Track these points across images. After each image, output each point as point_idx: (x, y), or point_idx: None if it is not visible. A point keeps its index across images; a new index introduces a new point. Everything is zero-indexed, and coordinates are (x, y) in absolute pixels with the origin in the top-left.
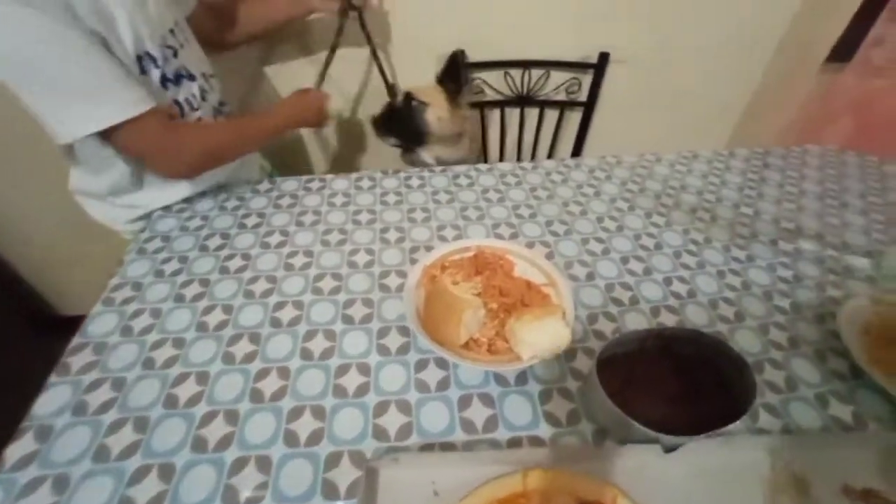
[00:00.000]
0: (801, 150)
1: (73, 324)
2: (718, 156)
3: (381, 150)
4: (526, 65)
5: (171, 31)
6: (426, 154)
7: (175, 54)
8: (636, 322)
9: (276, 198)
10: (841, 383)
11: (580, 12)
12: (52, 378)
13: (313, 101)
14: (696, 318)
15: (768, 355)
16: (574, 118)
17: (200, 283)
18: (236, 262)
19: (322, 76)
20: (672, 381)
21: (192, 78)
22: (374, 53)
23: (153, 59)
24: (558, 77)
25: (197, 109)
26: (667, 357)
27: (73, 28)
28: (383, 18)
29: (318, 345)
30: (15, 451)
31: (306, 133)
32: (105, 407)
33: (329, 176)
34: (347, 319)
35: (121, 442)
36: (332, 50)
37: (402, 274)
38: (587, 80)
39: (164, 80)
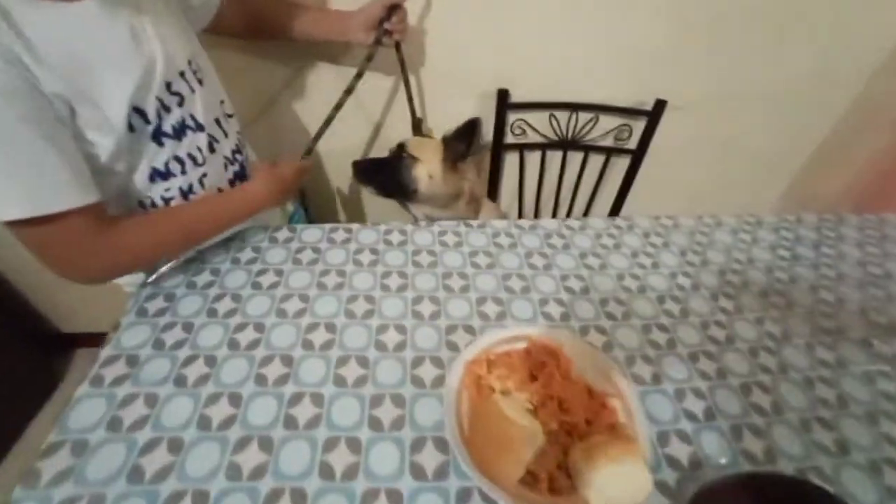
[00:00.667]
0: (879, 220)
1: (72, 340)
2: (784, 222)
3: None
4: (574, 107)
5: (182, 73)
6: (415, 210)
7: (181, 103)
8: (714, 445)
9: (296, 251)
10: None
11: (635, 54)
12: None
13: (290, 180)
14: (787, 444)
15: None
16: (619, 165)
17: (206, 361)
18: (248, 335)
19: (338, 104)
20: None
21: (199, 128)
22: (406, 84)
23: (143, 115)
24: (607, 122)
25: (202, 164)
26: None
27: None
28: (420, 49)
29: (341, 459)
30: (51, 465)
31: (329, 167)
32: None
33: (355, 226)
34: (375, 424)
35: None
36: (358, 75)
37: (438, 362)
38: (638, 126)
39: (159, 136)
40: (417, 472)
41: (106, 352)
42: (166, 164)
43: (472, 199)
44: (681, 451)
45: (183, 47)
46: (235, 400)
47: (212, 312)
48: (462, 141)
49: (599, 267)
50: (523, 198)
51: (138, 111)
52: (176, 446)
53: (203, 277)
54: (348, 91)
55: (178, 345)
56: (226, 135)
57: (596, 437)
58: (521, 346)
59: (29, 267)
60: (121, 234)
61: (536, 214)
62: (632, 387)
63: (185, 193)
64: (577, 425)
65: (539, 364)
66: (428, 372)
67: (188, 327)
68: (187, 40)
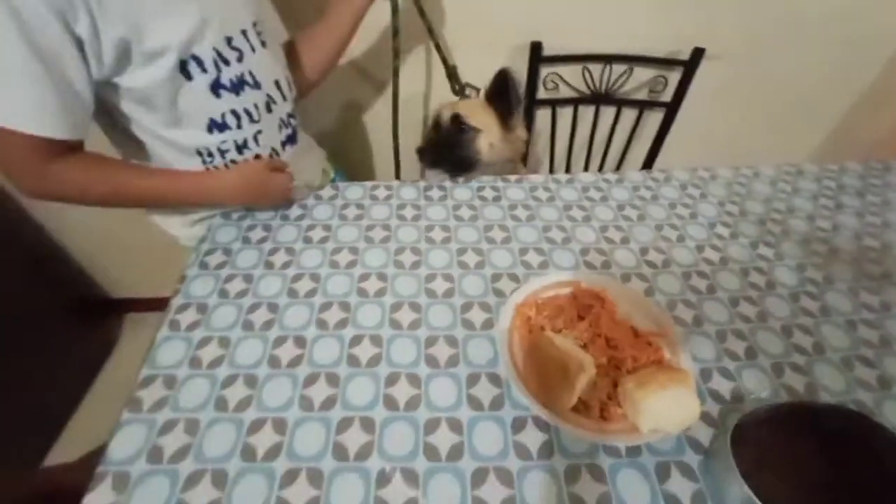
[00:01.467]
0: None
1: (123, 306)
2: (827, 171)
3: None
4: (608, 59)
5: (244, 32)
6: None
7: (240, 58)
8: (756, 380)
9: (342, 207)
10: None
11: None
12: (125, 415)
13: (273, 192)
14: (829, 380)
15: None
16: (653, 118)
17: (269, 308)
18: (305, 284)
19: (395, 66)
20: (815, 465)
21: (257, 86)
22: (430, 33)
23: (200, 63)
24: (641, 74)
25: (257, 121)
26: (806, 435)
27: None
28: (446, 2)
29: (403, 392)
30: (149, 395)
31: (372, 132)
32: (181, 454)
33: (395, 183)
34: (432, 362)
35: (199, 498)
36: (395, 33)
37: (486, 307)
38: (674, 77)
39: (217, 87)
40: (474, 403)
41: (177, 300)
42: (223, 116)
43: (522, 158)
44: (723, 385)
45: (247, 8)
46: (300, 342)
47: (269, 265)
48: (503, 96)
49: (638, 218)
50: (554, 152)
51: (195, 59)
52: (251, 382)
53: (256, 233)
54: (395, 54)
55: (242, 294)
56: (284, 98)
57: (644, 370)
58: (567, 291)
59: (79, 233)
60: (69, 168)
61: (568, 169)
62: (679, 332)
63: (240, 147)
64: (624, 360)
65: (586, 306)
66: (477, 316)
67: (248, 278)
68: (255, 3)
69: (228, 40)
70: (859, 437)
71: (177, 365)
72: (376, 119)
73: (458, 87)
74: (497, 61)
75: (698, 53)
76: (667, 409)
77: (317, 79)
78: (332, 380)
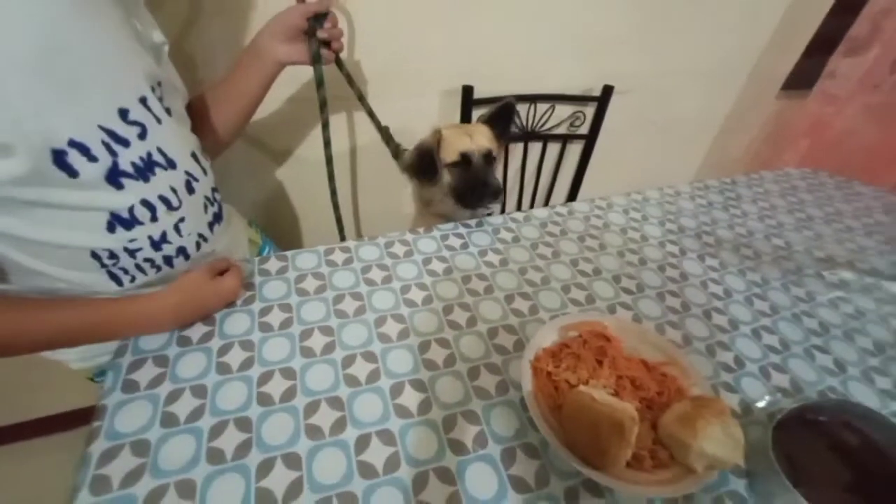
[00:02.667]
0: (785, 174)
1: None
2: (725, 184)
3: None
4: (532, 99)
5: (143, 99)
6: (441, 211)
7: (142, 134)
8: (754, 389)
9: (297, 280)
10: None
11: (584, 42)
12: None
13: (211, 298)
14: (804, 373)
15: (891, 408)
16: (573, 151)
17: (237, 425)
18: (278, 384)
19: (325, 138)
20: (848, 465)
21: (171, 165)
22: (361, 99)
23: (84, 150)
24: (561, 111)
25: (177, 208)
26: (835, 437)
27: None
28: (373, 54)
29: (437, 496)
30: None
31: (298, 196)
32: None
33: (352, 243)
34: (456, 448)
35: None
36: (322, 105)
37: (493, 369)
38: (589, 112)
39: (116, 177)
40: (518, 484)
41: (98, 445)
42: (131, 211)
43: None
44: (730, 398)
45: (143, 68)
46: (294, 463)
47: (223, 368)
48: (505, 124)
49: (599, 247)
50: None
51: (76, 145)
52: None
53: (195, 330)
54: (325, 125)
55: (196, 414)
56: (204, 172)
57: (676, 405)
58: (573, 334)
59: None
60: None
61: (504, 204)
62: (677, 350)
63: (157, 243)
64: (653, 399)
65: (599, 349)
66: (488, 381)
67: (199, 391)
68: (152, 60)
69: (123, 114)
70: (856, 425)
71: None
72: (305, 186)
73: (394, 149)
74: (431, 105)
75: (608, 90)
76: (716, 443)
77: (228, 139)
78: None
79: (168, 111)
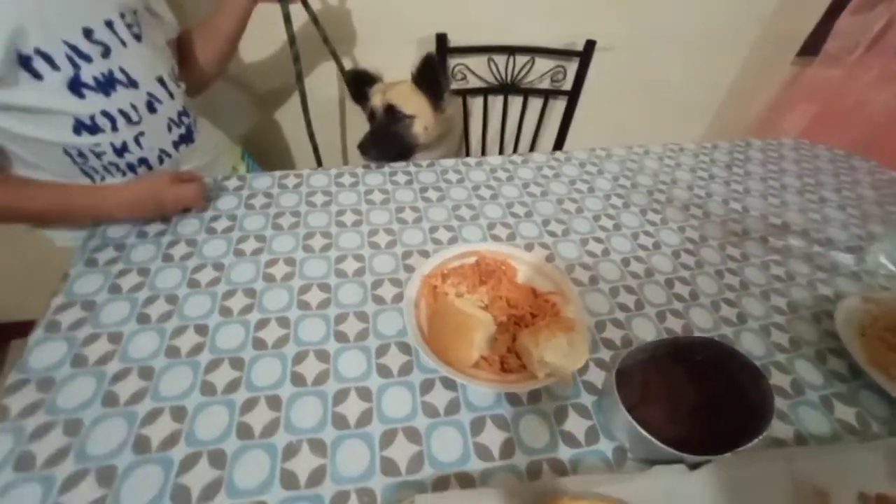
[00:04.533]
0: (778, 144)
1: (5, 332)
2: (703, 148)
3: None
4: (511, 51)
5: (109, 22)
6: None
7: (105, 53)
8: (644, 328)
9: (248, 197)
10: (842, 385)
11: None
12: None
13: (167, 199)
14: (701, 321)
15: (773, 358)
16: (558, 107)
17: (167, 299)
18: (208, 274)
19: (297, 70)
20: (689, 392)
21: (132, 85)
22: (325, 41)
23: (48, 59)
24: (543, 65)
25: (136, 123)
26: (681, 367)
27: None
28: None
29: (311, 368)
30: (18, 400)
31: (288, 127)
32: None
33: (305, 171)
34: (341, 337)
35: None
36: (291, 42)
37: (397, 282)
38: (572, 67)
39: (77, 86)
40: (384, 371)
41: (58, 300)
42: (92, 118)
43: (456, 131)
44: (615, 334)
45: None
46: (202, 330)
47: (167, 258)
48: (432, 80)
49: (541, 194)
50: (469, 142)
51: (41, 54)
52: (146, 374)
53: (153, 227)
54: (295, 59)
55: (136, 288)
56: (171, 96)
57: (540, 322)
58: (472, 261)
59: None
60: None
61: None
62: (574, 288)
63: (119, 151)
64: (523, 317)
65: (488, 272)
66: (388, 291)
67: (144, 272)
68: None
69: (87, 33)
70: (721, 364)
71: (55, 367)
72: (292, 119)
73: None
74: (405, 53)
75: (591, 45)
76: (558, 354)
77: (214, 72)
78: (237, 364)
79: (137, 37)
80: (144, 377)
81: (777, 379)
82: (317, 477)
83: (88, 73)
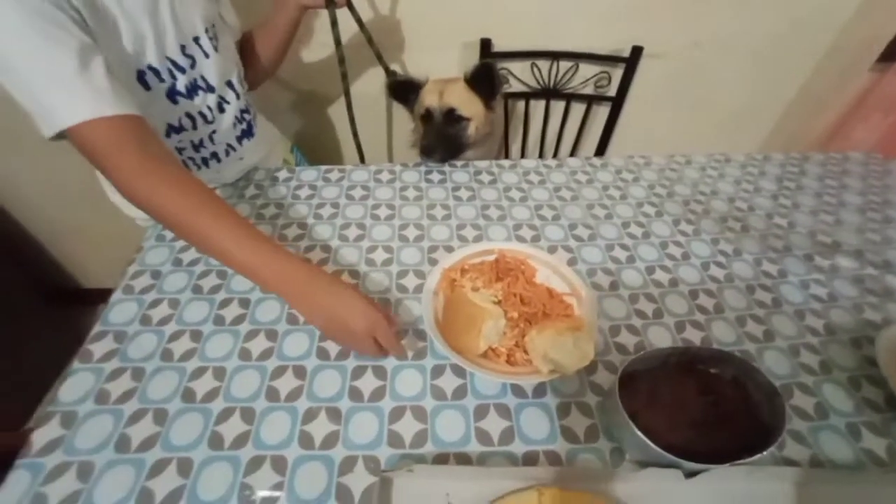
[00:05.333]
0: (843, 157)
1: (93, 296)
2: (752, 160)
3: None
4: (555, 56)
5: (196, 39)
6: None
7: (193, 65)
8: (660, 336)
9: (295, 188)
10: (875, 414)
11: (615, 2)
12: (76, 364)
13: (364, 341)
14: (723, 335)
15: (798, 379)
16: (601, 113)
17: (218, 275)
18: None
19: (342, 71)
20: (696, 402)
21: (210, 89)
22: (369, 42)
23: (157, 74)
24: (587, 70)
25: (211, 122)
26: (692, 377)
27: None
28: (393, 5)
29: (334, 345)
30: (42, 435)
31: (335, 125)
32: (126, 397)
33: (348, 167)
34: None
35: (141, 433)
36: (337, 44)
37: (420, 274)
38: (617, 74)
39: (173, 94)
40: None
41: (133, 268)
42: (179, 120)
43: (498, 131)
44: (629, 340)
45: (202, 14)
46: (245, 303)
47: None
48: (488, 83)
49: (571, 198)
50: (509, 146)
51: (151, 69)
52: (196, 337)
53: None
54: (341, 61)
55: (194, 262)
56: (237, 96)
57: (550, 322)
58: (493, 258)
59: (55, 227)
60: (166, 178)
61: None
62: (590, 292)
63: (196, 146)
64: (535, 315)
65: (506, 270)
66: (411, 282)
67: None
68: (207, 6)
69: (182, 48)
70: (735, 379)
71: (128, 323)
72: (339, 117)
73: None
74: (449, 58)
75: (637, 51)
76: (562, 351)
77: (269, 69)
78: (272, 335)
79: (215, 48)
80: (195, 339)
81: (800, 401)
82: (330, 441)
83: (182, 83)
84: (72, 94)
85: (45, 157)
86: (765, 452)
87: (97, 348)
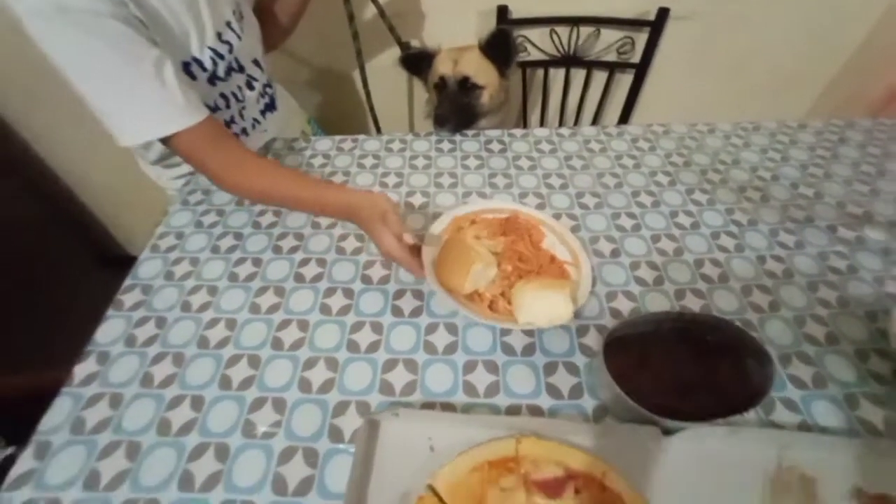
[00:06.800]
0: (893, 124)
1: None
2: (786, 127)
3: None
4: (575, 21)
5: (228, 23)
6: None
7: (231, 49)
8: (657, 303)
9: (310, 157)
10: (879, 386)
11: None
12: (110, 311)
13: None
14: (725, 304)
15: (799, 349)
16: (624, 81)
17: (234, 236)
18: (268, 218)
19: (357, 48)
20: (687, 367)
21: (241, 70)
22: (381, 15)
23: (200, 64)
24: (609, 35)
25: (242, 101)
26: (685, 342)
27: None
28: None
29: (337, 301)
30: (81, 370)
31: (351, 98)
32: (150, 341)
33: (361, 136)
34: (366, 279)
35: (162, 372)
36: (350, 18)
37: (423, 239)
38: (641, 39)
39: (214, 79)
40: (397, 311)
41: (160, 228)
42: (215, 102)
43: (512, 100)
44: (625, 305)
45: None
46: (257, 262)
47: (239, 203)
48: (502, 50)
49: (582, 167)
50: (527, 116)
51: (196, 61)
52: (213, 291)
53: None
54: (354, 36)
55: (214, 224)
56: (262, 71)
57: (539, 276)
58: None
59: (106, 195)
60: (256, 169)
61: None
62: (588, 259)
63: (228, 123)
64: (529, 272)
65: (513, 228)
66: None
67: (220, 212)
68: None
69: (219, 35)
70: (729, 345)
71: (153, 277)
72: (355, 90)
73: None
74: (466, 25)
75: (663, 13)
76: (541, 305)
77: (287, 27)
78: (280, 292)
79: (241, 28)
80: (211, 294)
81: (797, 370)
82: (327, 386)
83: (222, 69)
84: (145, 114)
85: (105, 136)
86: (745, 413)
87: (127, 299)
